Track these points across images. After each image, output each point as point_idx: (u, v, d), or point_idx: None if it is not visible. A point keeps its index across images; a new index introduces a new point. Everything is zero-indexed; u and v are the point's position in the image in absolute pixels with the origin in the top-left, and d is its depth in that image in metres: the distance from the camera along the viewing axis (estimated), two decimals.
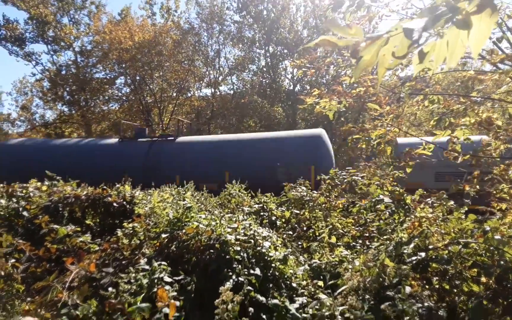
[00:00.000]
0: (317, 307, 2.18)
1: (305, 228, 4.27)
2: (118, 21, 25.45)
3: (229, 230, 2.85)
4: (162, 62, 23.03)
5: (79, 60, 25.30)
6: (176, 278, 2.38)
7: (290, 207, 4.73)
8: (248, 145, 10.58)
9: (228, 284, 2.14)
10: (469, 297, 2.24)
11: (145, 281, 2.24)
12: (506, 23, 3.57)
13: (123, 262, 2.69)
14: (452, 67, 1.10)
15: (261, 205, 4.70)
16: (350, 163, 12.39)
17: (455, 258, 2.37)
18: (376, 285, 2.23)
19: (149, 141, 11.61)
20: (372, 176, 4.68)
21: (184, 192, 4.69)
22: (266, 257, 2.72)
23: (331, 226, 4.01)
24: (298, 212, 4.53)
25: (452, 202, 3.44)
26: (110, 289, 2.19)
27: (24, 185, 4.45)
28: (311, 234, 4.13)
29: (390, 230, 3.38)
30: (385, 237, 3.20)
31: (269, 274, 2.65)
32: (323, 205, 4.68)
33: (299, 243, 3.86)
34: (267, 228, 3.70)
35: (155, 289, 2.15)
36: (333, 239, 3.63)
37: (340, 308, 2.10)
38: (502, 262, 2.18)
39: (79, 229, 3.33)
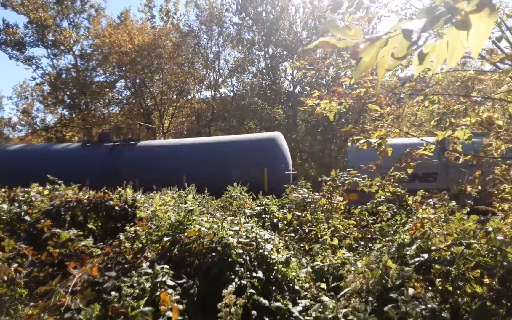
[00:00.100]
0: (320, 309, 2.18)
1: (307, 230, 4.26)
2: (117, 24, 25.49)
3: (231, 233, 2.85)
4: (162, 64, 23.06)
5: (79, 64, 25.31)
6: (179, 281, 2.38)
7: (292, 209, 4.73)
8: (205, 149, 10.76)
9: (231, 287, 2.14)
10: (472, 298, 2.23)
11: (147, 284, 2.24)
12: (505, 23, 3.56)
13: (126, 265, 2.69)
14: (452, 67, 1.10)
15: (263, 207, 4.71)
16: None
17: (458, 259, 2.37)
18: (379, 287, 2.22)
19: (110, 145, 11.74)
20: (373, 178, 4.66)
21: (185, 195, 4.69)
22: (268, 260, 2.72)
23: (333, 228, 4.01)
24: (300, 214, 4.53)
25: (454, 203, 3.44)
26: (113, 293, 2.19)
27: (26, 189, 4.46)
28: (313, 236, 4.13)
29: (392, 232, 3.38)
30: (387, 238, 3.20)
31: (271, 276, 2.64)
32: (325, 206, 4.68)
33: (301, 245, 3.85)
34: (269, 230, 3.70)
35: (158, 293, 2.15)
36: (335, 241, 3.63)
37: (343, 310, 2.09)
38: (505, 263, 2.18)
39: (81, 233, 3.34)
